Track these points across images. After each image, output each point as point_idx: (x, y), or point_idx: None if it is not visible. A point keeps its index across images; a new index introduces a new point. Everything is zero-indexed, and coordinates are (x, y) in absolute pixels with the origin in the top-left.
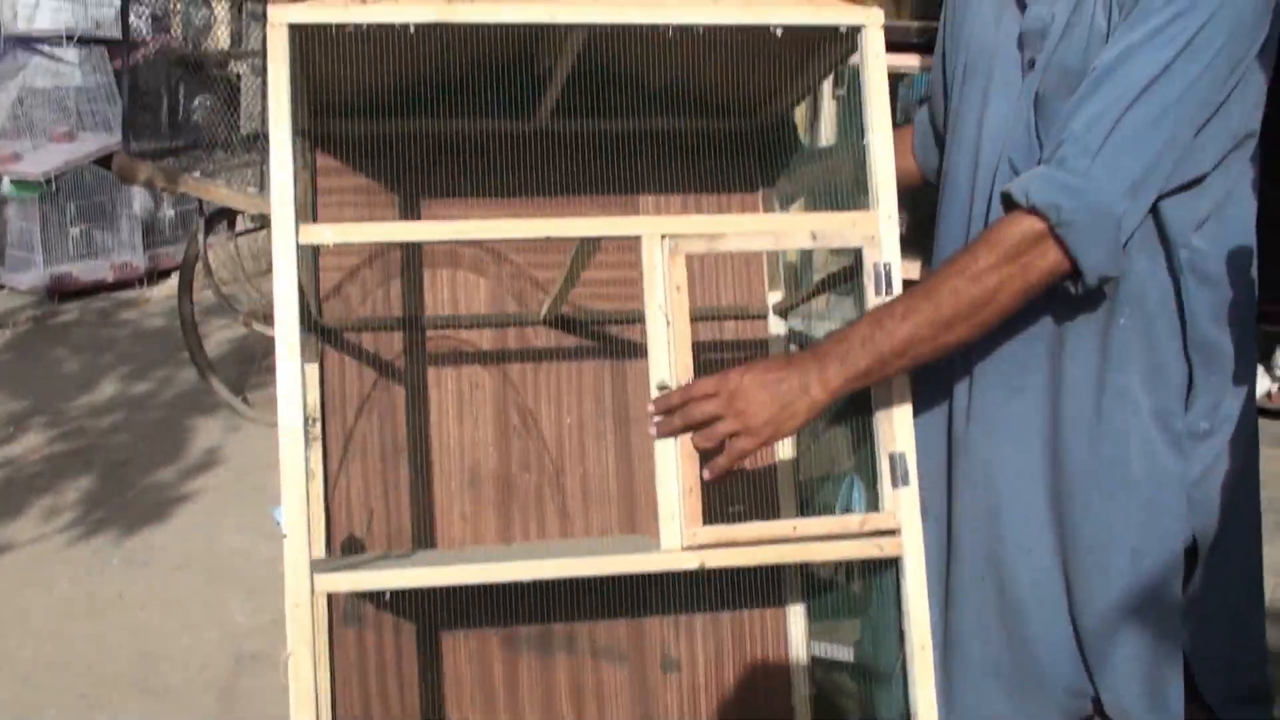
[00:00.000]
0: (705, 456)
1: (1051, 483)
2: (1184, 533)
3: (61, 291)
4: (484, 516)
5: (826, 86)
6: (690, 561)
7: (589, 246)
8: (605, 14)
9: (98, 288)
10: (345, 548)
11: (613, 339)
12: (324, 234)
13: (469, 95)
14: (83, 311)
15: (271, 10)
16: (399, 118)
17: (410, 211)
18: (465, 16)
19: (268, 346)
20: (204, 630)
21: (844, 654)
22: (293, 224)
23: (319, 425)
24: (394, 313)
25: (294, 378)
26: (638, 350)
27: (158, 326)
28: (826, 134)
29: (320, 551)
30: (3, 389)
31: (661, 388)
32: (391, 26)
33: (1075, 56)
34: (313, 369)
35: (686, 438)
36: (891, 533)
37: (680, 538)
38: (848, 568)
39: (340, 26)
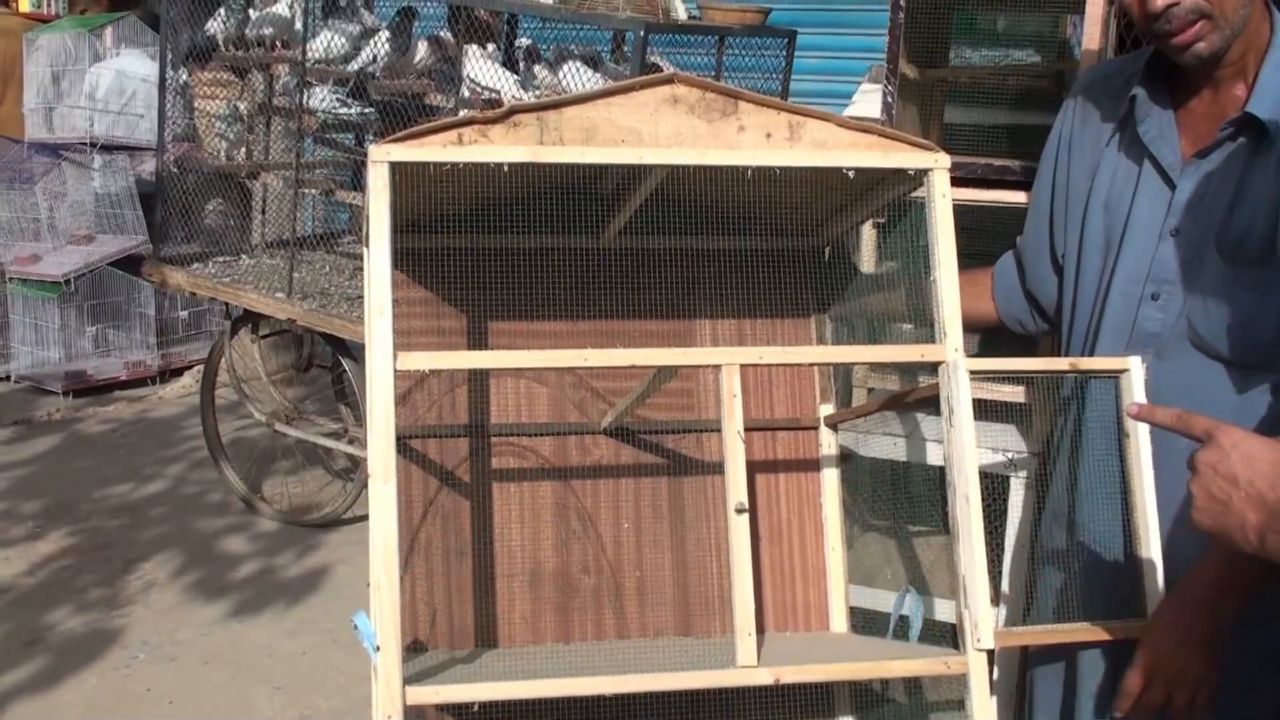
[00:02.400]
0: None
1: None
2: None
3: (76, 389)
4: (544, 616)
5: None
6: (765, 677)
7: (666, 373)
8: (689, 156)
9: (112, 385)
10: (410, 648)
11: (669, 450)
12: (420, 361)
13: (535, 213)
14: (97, 408)
15: (374, 149)
16: (465, 233)
17: (475, 323)
18: (556, 158)
19: (288, 446)
20: None
21: None
22: (391, 350)
23: None
24: (460, 420)
25: (389, 499)
26: (693, 460)
27: (171, 425)
28: (866, 259)
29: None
30: (24, 485)
31: (739, 509)
32: (485, 165)
33: (1253, 229)
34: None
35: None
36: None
37: (755, 654)
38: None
39: (438, 165)
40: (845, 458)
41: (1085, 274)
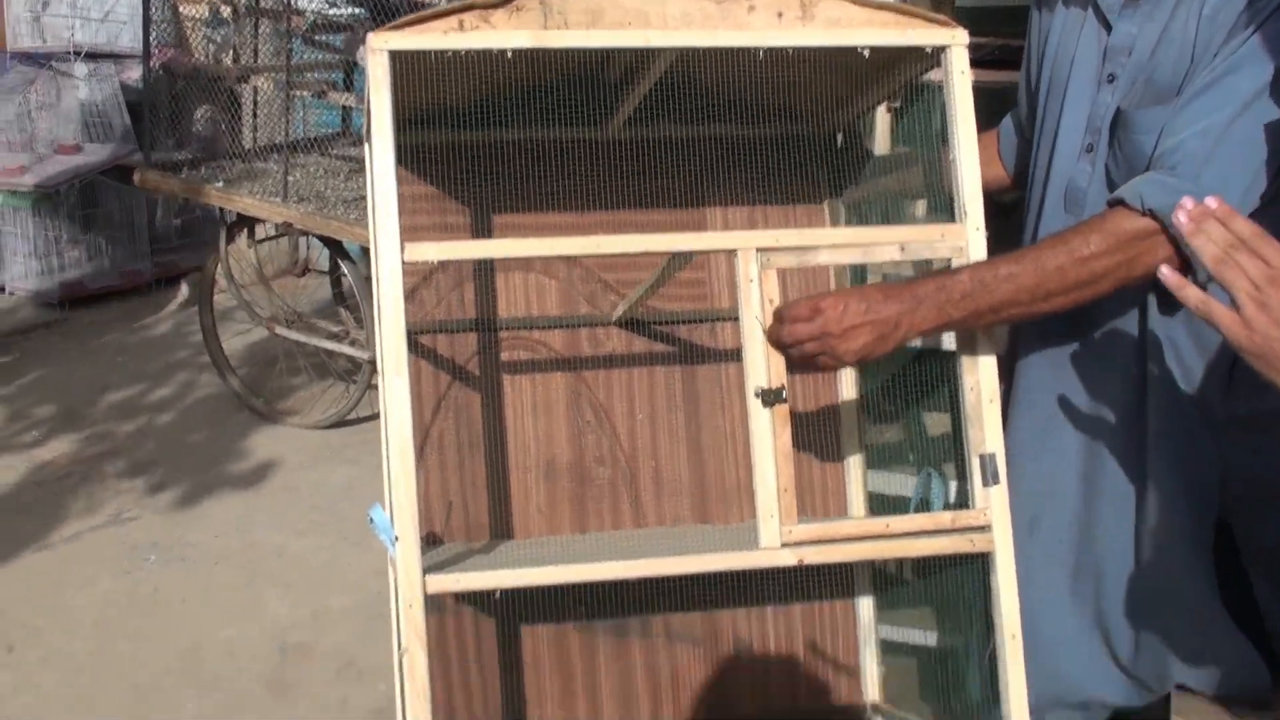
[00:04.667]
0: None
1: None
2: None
3: (72, 299)
4: (559, 509)
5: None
6: (788, 558)
7: (680, 260)
8: (698, 38)
9: (107, 294)
10: (426, 541)
11: (683, 340)
12: (428, 252)
13: (541, 105)
14: (94, 318)
15: (373, 37)
16: (468, 127)
17: (480, 218)
18: (561, 42)
19: (289, 349)
20: (246, 624)
21: (916, 638)
22: (397, 242)
23: None
24: (468, 315)
25: (403, 392)
26: (707, 350)
27: (170, 331)
28: (880, 144)
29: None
30: (26, 395)
31: (758, 393)
32: (487, 51)
33: (1165, 73)
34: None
35: (783, 440)
36: (983, 529)
37: (778, 535)
38: (916, 563)
39: (439, 52)
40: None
41: (1042, 131)
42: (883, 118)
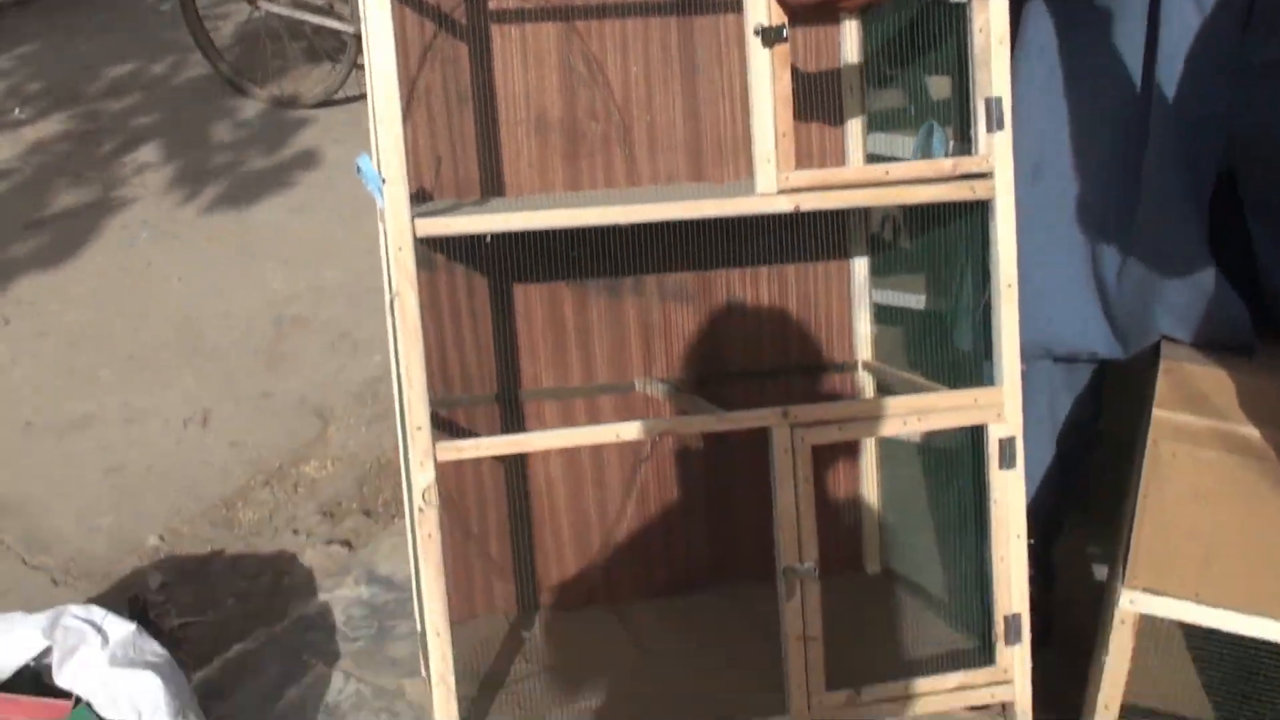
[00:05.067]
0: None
1: None
2: None
3: None
4: (551, 164)
5: None
6: (784, 204)
7: None
8: None
9: None
10: (416, 197)
11: None
12: None
13: None
14: None
15: None
16: None
17: None
18: None
19: (273, 29)
20: (242, 298)
21: (909, 302)
22: None
23: None
24: None
25: (385, 29)
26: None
27: (152, 8)
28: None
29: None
30: (9, 75)
31: (758, 31)
32: None
33: None
34: None
35: (783, 82)
36: (984, 175)
37: (775, 181)
38: (911, 221)
39: None
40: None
41: None
42: None
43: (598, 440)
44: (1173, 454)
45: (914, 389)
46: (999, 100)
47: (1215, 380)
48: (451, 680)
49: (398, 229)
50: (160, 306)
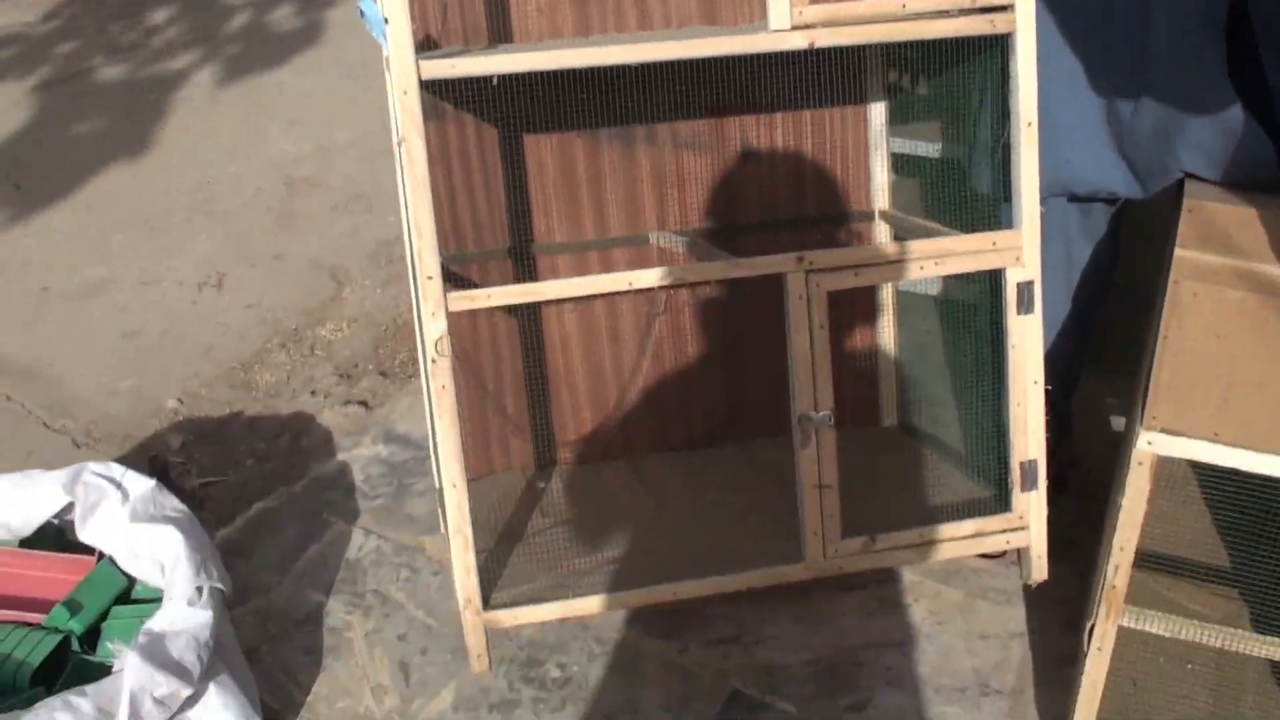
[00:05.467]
0: None
1: None
2: None
3: None
4: (560, 9)
5: None
6: (799, 40)
7: None
8: None
9: None
10: (422, 45)
11: None
12: None
13: None
14: None
15: None
16: None
17: None
18: None
19: None
20: (251, 159)
21: (925, 150)
22: None
23: None
24: None
25: None
26: None
27: None
28: None
29: None
30: None
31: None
32: None
33: None
34: None
35: None
36: (1005, 8)
37: (789, 16)
38: (928, 62)
39: None
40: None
41: None
42: None
43: (611, 289)
44: (1194, 294)
45: (928, 235)
46: None
47: (1240, 219)
48: (469, 530)
49: (402, 71)
50: (171, 170)
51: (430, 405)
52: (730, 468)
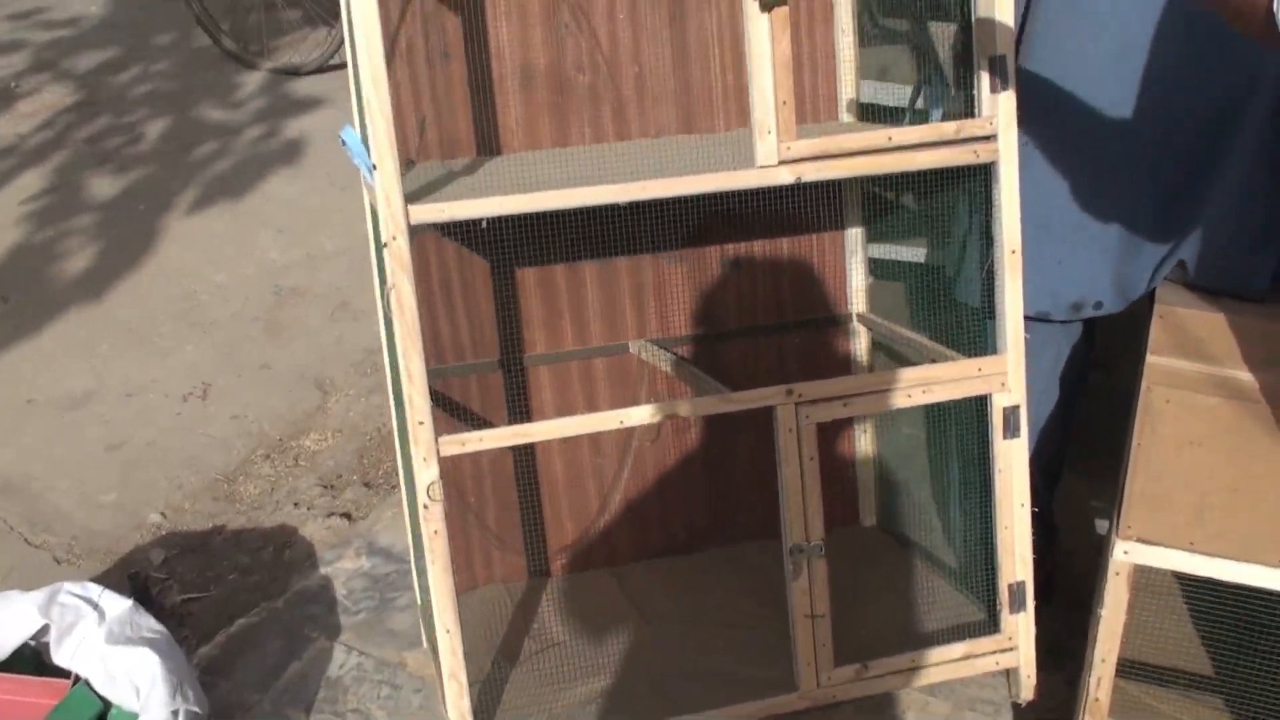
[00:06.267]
0: None
1: None
2: None
3: None
4: (538, 121)
5: None
6: (785, 176)
7: None
8: None
9: None
10: (403, 166)
11: None
12: None
13: None
14: None
15: None
16: None
17: None
18: None
19: None
20: (240, 267)
21: (905, 255)
22: None
23: None
24: None
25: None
26: None
27: None
28: None
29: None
30: (11, 46)
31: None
32: None
33: None
34: None
35: (782, 47)
36: (988, 138)
37: (776, 152)
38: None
39: None
40: None
41: None
42: None
43: (601, 428)
44: (1166, 400)
45: (907, 343)
46: (1003, 58)
47: (1211, 325)
48: (463, 677)
49: (391, 217)
50: (159, 279)
51: (411, 524)
52: (714, 574)
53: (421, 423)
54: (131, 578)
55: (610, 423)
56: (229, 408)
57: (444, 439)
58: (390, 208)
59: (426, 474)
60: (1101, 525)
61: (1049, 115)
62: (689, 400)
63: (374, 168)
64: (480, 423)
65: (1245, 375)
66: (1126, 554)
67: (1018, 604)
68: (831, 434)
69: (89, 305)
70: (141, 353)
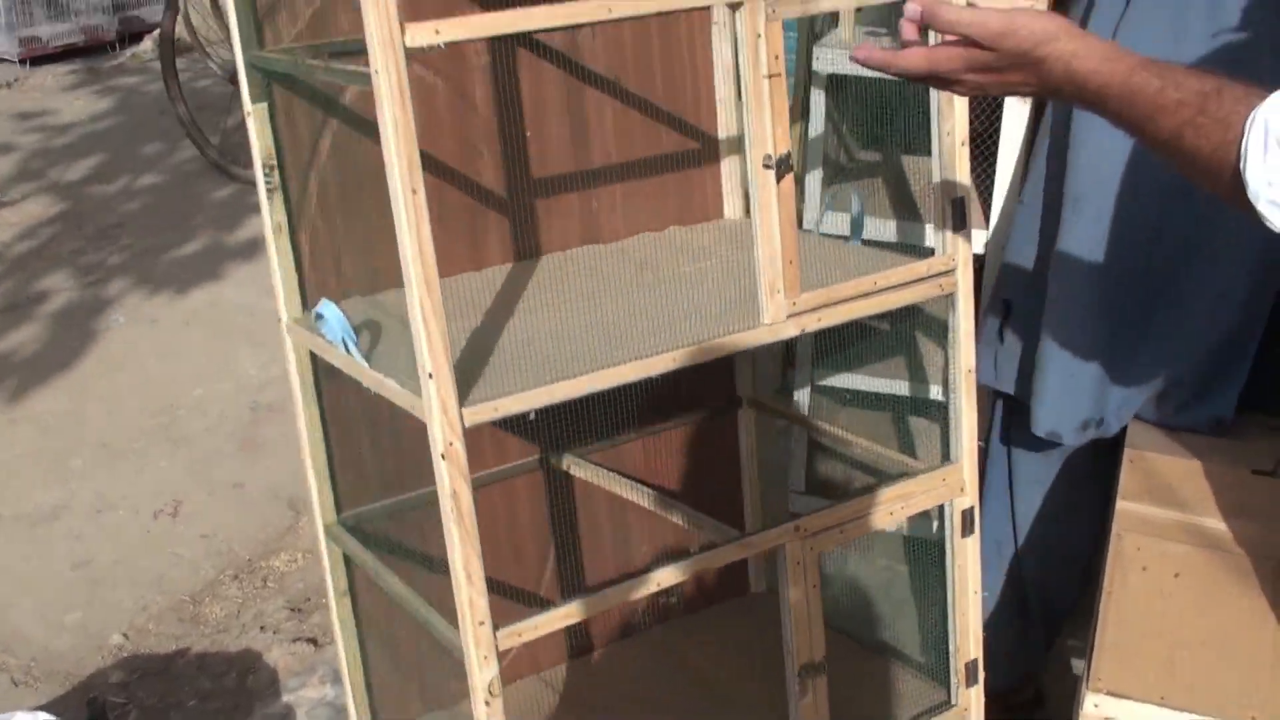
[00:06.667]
0: None
1: None
2: None
3: (33, 57)
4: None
5: None
6: (791, 329)
7: None
8: None
9: (69, 52)
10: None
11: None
12: None
13: None
14: (57, 77)
15: None
16: None
17: None
18: None
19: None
20: (217, 383)
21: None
22: None
23: (276, 174)
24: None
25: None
26: None
27: (134, 90)
28: None
29: (296, 309)
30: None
31: (766, 162)
32: None
33: None
34: (262, 110)
35: (788, 210)
36: (949, 272)
37: (785, 309)
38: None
39: None
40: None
41: None
42: None
43: (630, 598)
44: (1137, 548)
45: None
46: (962, 201)
47: (1182, 470)
48: None
49: (449, 425)
50: (136, 392)
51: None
52: (690, 647)
53: (482, 623)
54: (90, 703)
55: (649, 586)
56: (199, 526)
57: (502, 632)
58: (448, 415)
59: (486, 673)
60: (1078, 665)
61: (1074, 208)
62: (710, 553)
63: (431, 375)
64: None
65: (1216, 523)
66: (1097, 707)
67: (972, 679)
68: None
69: (63, 418)
70: (115, 467)
